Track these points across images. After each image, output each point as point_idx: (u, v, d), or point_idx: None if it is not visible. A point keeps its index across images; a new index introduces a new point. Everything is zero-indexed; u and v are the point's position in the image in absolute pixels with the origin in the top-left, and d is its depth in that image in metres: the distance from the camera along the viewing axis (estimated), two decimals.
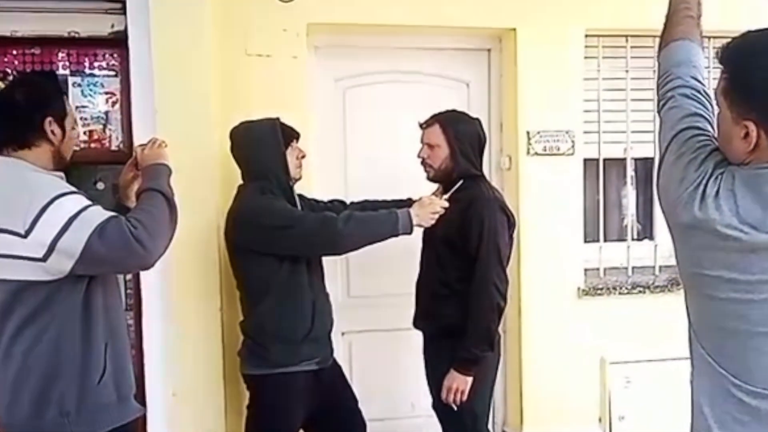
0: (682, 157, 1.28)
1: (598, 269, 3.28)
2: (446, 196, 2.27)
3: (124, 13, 2.47)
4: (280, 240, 2.10)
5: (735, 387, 1.23)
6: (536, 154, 3.05)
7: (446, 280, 2.27)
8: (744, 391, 1.22)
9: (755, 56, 1.19)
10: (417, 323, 2.46)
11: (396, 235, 2.15)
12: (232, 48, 2.72)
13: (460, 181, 2.28)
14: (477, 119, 2.38)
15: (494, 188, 2.38)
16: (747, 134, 1.18)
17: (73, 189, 1.60)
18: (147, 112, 2.47)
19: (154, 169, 1.82)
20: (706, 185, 1.22)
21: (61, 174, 1.71)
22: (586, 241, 3.20)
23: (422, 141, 2.37)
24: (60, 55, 2.59)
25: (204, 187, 2.50)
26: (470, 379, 2.20)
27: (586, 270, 3.20)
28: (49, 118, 1.66)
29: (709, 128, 1.32)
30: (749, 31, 1.24)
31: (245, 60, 2.74)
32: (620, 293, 3.14)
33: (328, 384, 2.31)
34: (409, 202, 2.39)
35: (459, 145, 2.28)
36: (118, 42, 2.52)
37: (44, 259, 1.49)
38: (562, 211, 3.09)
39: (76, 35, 2.55)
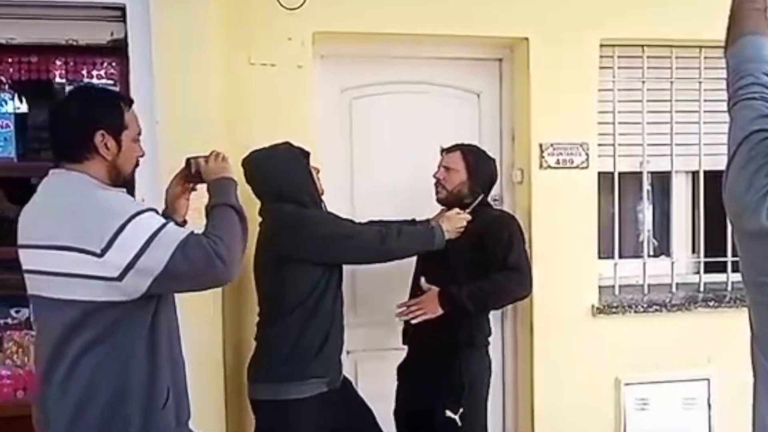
0: (752, 161, 1.24)
1: (613, 287, 3.24)
2: (468, 211, 2.47)
3: (124, 21, 2.43)
4: (338, 249, 2.25)
5: None
6: (549, 167, 3.02)
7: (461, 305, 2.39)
8: None
9: None
10: (412, 339, 2.57)
11: (432, 248, 2.35)
12: (235, 57, 2.69)
13: (476, 202, 2.51)
14: (494, 159, 2.63)
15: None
16: None
17: (149, 206, 1.59)
18: (147, 122, 2.31)
19: (223, 184, 1.81)
20: None
21: (123, 189, 1.71)
22: (600, 258, 3.15)
23: (441, 164, 2.57)
24: (57, 63, 2.55)
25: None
26: (438, 311, 2.33)
27: (600, 287, 3.15)
28: (101, 132, 1.63)
29: None
30: None
31: (249, 69, 2.71)
32: (636, 312, 3.09)
33: (340, 406, 2.33)
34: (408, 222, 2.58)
35: (476, 175, 2.51)
36: (118, 50, 2.48)
37: (120, 278, 1.47)
38: (576, 226, 3.05)
39: (75, 43, 2.50)
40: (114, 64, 2.57)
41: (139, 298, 1.52)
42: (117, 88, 2.55)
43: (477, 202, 2.52)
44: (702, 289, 3.31)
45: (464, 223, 2.42)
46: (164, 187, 2.02)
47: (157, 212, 1.61)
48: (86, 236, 1.47)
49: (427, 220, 2.58)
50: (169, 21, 2.40)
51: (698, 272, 3.34)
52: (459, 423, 2.38)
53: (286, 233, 2.24)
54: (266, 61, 2.73)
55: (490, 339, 2.56)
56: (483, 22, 2.90)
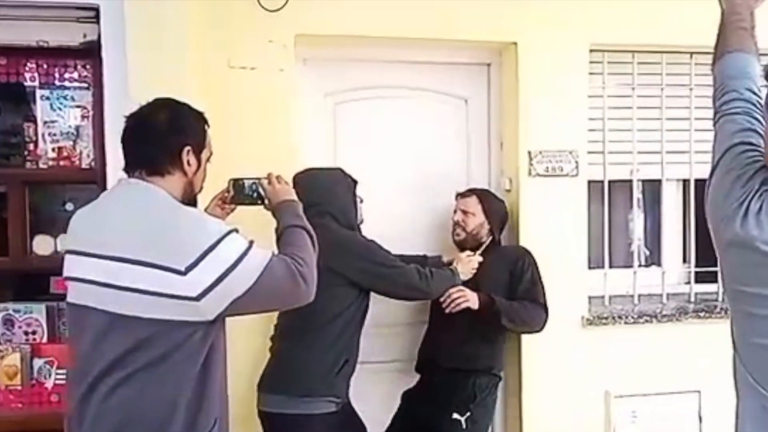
0: (730, 172, 1.30)
1: (602, 297, 3.22)
2: (479, 252, 2.68)
3: (98, 22, 2.38)
4: (380, 275, 2.34)
5: None
6: (538, 175, 2.99)
7: (483, 330, 2.60)
8: None
9: None
10: (426, 366, 2.72)
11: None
12: (214, 60, 2.63)
13: (488, 240, 2.73)
14: (503, 200, 2.87)
15: None
16: None
17: (233, 226, 1.58)
18: (121, 127, 2.26)
19: (291, 206, 1.86)
20: (750, 202, 1.24)
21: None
22: (590, 268, 3.13)
23: (458, 208, 2.77)
24: (28, 65, 2.49)
25: None
26: (476, 305, 2.50)
27: (590, 298, 3.13)
28: (187, 147, 1.63)
29: (763, 144, 1.32)
30: None
31: (228, 73, 2.66)
32: (626, 323, 3.07)
33: (342, 425, 2.39)
34: (422, 259, 2.74)
35: (492, 216, 2.73)
36: (91, 52, 2.43)
37: (199, 298, 1.45)
38: (565, 235, 3.02)
39: (45, 45, 2.44)
40: (87, 66, 2.51)
41: (212, 320, 1.51)
42: (90, 92, 2.51)
43: (489, 241, 2.73)
44: (693, 299, 3.29)
45: (476, 265, 2.60)
46: None
47: (239, 233, 1.59)
48: (171, 254, 1.45)
49: (441, 259, 2.77)
50: (144, 22, 2.35)
51: (689, 282, 3.33)
52: (464, 425, 2.49)
53: (332, 248, 2.22)
54: (246, 64, 2.68)
55: (502, 374, 2.77)
56: (471, 26, 2.86)
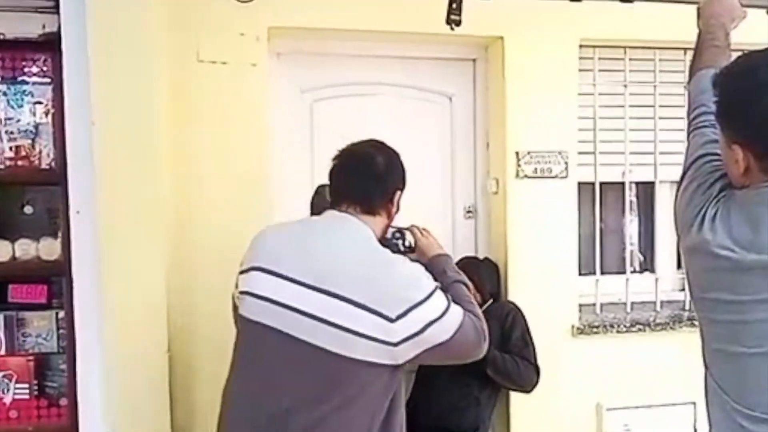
0: (693, 182, 1.39)
1: (594, 305, 3.19)
2: None
3: (57, 13, 2.28)
4: None
5: (736, 412, 1.29)
6: (526, 176, 2.96)
7: (470, 390, 2.62)
8: (743, 416, 1.27)
9: (736, 79, 1.28)
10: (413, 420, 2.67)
11: None
12: (181, 54, 2.57)
13: (486, 304, 2.73)
14: (495, 264, 2.96)
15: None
16: (737, 159, 1.27)
17: (437, 283, 1.67)
18: (83, 124, 2.30)
19: (448, 261, 1.93)
20: (707, 209, 1.31)
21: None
22: (581, 274, 3.11)
23: None
24: None
25: (150, 210, 2.37)
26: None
27: (581, 306, 3.11)
28: (399, 192, 1.77)
29: None
30: (740, 55, 1.33)
31: (197, 67, 2.59)
32: (618, 331, 3.04)
33: None
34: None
35: (483, 286, 2.73)
36: (50, 45, 2.32)
37: (397, 344, 1.54)
38: (555, 240, 3.00)
39: (2, 37, 2.33)
40: (46, 60, 2.40)
41: (399, 364, 1.59)
42: (50, 87, 2.42)
43: (488, 305, 2.75)
44: (687, 307, 3.25)
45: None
46: (101, 196, 2.05)
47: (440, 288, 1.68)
48: (386, 301, 1.53)
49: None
50: (107, 13, 2.27)
51: (683, 289, 3.29)
52: None
53: None
54: (216, 58, 2.62)
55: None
56: None
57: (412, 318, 1.53)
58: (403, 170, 1.80)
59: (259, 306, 1.61)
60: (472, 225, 3.10)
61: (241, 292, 1.66)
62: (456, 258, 2.81)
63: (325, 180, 2.75)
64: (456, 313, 1.61)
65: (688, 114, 1.55)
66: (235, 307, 1.75)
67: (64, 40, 2.28)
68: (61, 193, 2.32)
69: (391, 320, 1.51)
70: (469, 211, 3.08)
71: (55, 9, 2.29)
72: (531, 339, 2.70)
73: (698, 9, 1.71)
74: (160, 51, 2.42)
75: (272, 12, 2.64)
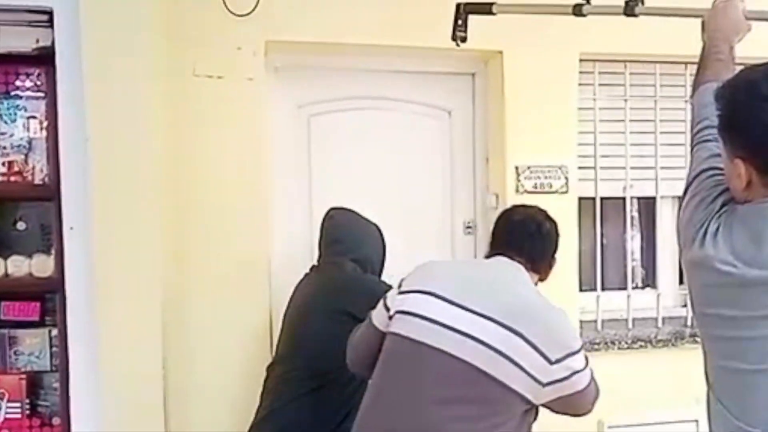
0: (695, 197, 1.39)
1: (595, 321, 3.15)
2: None
3: (51, 27, 2.29)
4: None
5: (739, 430, 1.28)
6: (526, 191, 2.93)
7: None
8: None
9: (737, 92, 1.27)
10: None
11: None
12: (177, 68, 2.55)
13: None
14: None
15: None
16: (739, 173, 1.27)
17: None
18: (77, 139, 2.31)
19: None
20: (709, 223, 1.31)
21: None
22: (581, 290, 3.08)
23: None
24: None
25: (145, 226, 2.36)
26: None
27: (581, 322, 3.07)
28: (555, 258, 1.97)
29: None
30: (742, 69, 1.32)
31: (193, 82, 2.57)
32: (620, 348, 3.01)
33: None
34: None
35: None
36: (44, 59, 2.33)
37: (545, 385, 1.66)
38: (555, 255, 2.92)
39: None
40: (40, 74, 2.41)
41: (536, 404, 1.71)
42: (44, 102, 2.41)
43: None
44: (689, 323, 3.21)
45: None
46: (96, 212, 2.12)
47: None
48: (551, 344, 1.66)
49: None
50: (102, 27, 2.28)
51: (686, 305, 3.24)
52: None
53: (349, 289, 2.33)
54: (213, 72, 2.59)
55: None
56: None
57: (566, 364, 1.66)
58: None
59: (412, 323, 1.74)
60: (472, 240, 3.07)
61: (401, 312, 1.77)
62: None
63: (325, 199, 2.77)
64: (590, 369, 1.77)
65: (692, 128, 1.56)
66: (370, 324, 1.89)
67: (58, 54, 2.30)
68: (54, 208, 2.32)
69: (551, 362, 1.64)
70: (468, 227, 3.05)
71: (49, 23, 2.30)
72: None
73: (703, 22, 1.72)
74: (155, 66, 2.41)
75: (269, 26, 2.62)
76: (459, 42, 2.42)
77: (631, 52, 3.02)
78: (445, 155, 3.02)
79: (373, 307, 2.08)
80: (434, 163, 3.01)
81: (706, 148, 1.44)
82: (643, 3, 1.97)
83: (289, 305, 2.44)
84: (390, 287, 2.32)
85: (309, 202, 2.90)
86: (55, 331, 2.40)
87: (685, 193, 1.44)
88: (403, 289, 1.82)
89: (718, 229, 1.29)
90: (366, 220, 2.51)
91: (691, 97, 1.64)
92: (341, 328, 2.23)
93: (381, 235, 2.50)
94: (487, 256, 1.93)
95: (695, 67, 3.08)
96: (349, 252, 2.40)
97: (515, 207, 2.08)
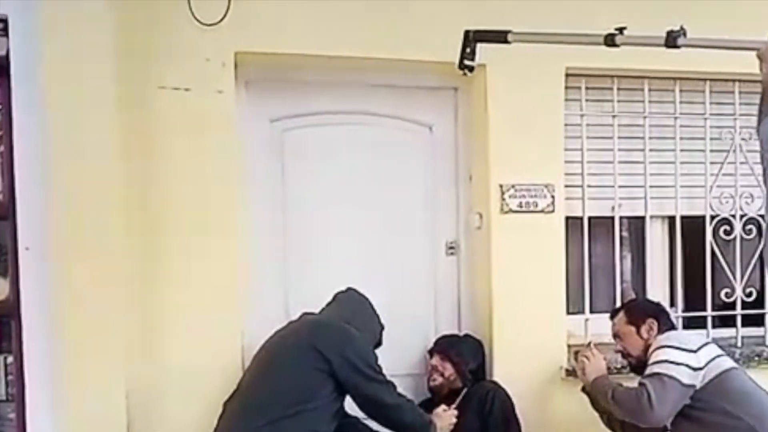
0: None
1: (583, 345, 3.00)
2: (457, 401, 2.73)
3: (6, 36, 2.24)
4: (366, 379, 2.35)
5: None
6: (511, 211, 2.90)
7: None
8: None
9: None
10: None
11: None
12: (142, 80, 2.49)
13: (465, 385, 2.80)
14: (478, 341, 2.93)
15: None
16: None
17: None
18: (33, 154, 2.26)
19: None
20: None
21: None
22: (569, 313, 3.03)
23: (429, 363, 2.88)
24: None
25: (106, 242, 2.33)
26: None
27: (569, 346, 3.01)
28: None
29: None
30: None
31: (159, 94, 2.50)
32: (610, 373, 2.84)
33: None
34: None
35: (460, 365, 2.79)
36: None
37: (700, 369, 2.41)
38: (542, 277, 2.94)
39: None
40: None
41: None
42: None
43: (465, 392, 2.77)
44: None
45: (453, 420, 2.64)
46: (53, 232, 2.18)
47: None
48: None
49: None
50: (61, 36, 2.24)
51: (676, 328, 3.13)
52: None
53: (328, 332, 2.39)
54: (180, 85, 2.53)
55: None
56: (434, 45, 2.73)
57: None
58: None
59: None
60: (455, 262, 3.01)
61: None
62: (434, 335, 2.95)
63: (299, 218, 2.86)
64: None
65: (762, 157, 1.66)
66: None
67: (14, 65, 2.23)
68: (9, 227, 2.26)
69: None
70: (451, 247, 3.00)
71: (4, 32, 2.24)
72: (515, 424, 2.70)
73: (758, 54, 1.70)
74: (118, 77, 2.36)
75: (239, 36, 2.57)
76: (467, 72, 2.39)
77: (620, 67, 2.97)
78: (426, 172, 2.97)
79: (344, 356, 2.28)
80: (415, 180, 2.96)
81: None
82: (685, 35, 1.87)
83: (263, 345, 2.45)
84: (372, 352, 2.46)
85: (283, 217, 2.84)
86: (10, 358, 2.33)
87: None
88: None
89: None
90: (368, 301, 2.61)
91: (757, 126, 1.75)
92: (305, 356, 2.27)
93: (378, 319, 2.60)
94: None
95: (685, 83, 3.12)
96: (345, 316, 2.49)
97: None
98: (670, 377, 2.38)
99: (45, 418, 2.29)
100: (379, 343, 2.59)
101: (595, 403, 2.71)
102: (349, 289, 2.61)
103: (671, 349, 2.47)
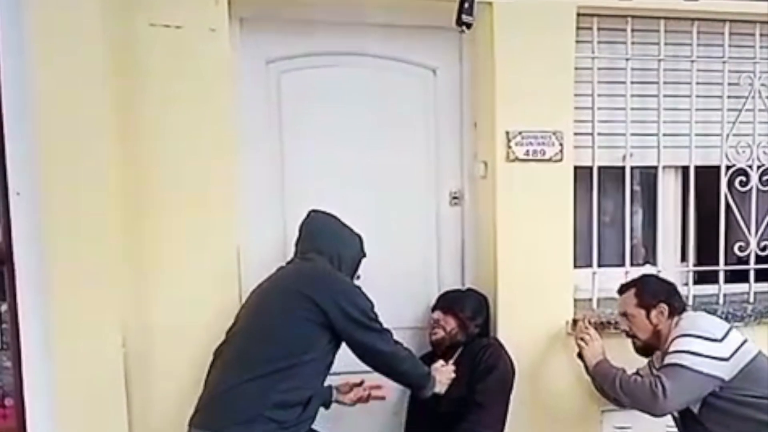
0: None
1: (590, 300, 3.07)
2: (456, 356, 2.78)
3: None
4: (359, 327, 2.35)
5: None
6: (517, 159, 2.83)
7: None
8: None
9: None
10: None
11: (421, 394, 2.57)
12: (130, 16, 2.40)
13: (467, 338, 2.80)
14: (483, 296, 2.90)
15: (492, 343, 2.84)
16: None
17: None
18: (19, 96, 2.24)
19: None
20: None
21: None
22: (576, 266, 2.98)
23: (432, 318, 2.86)
24: None
25: (97, 193, 2.32)
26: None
27: (576, 300, 2.99)
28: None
29: None
30: None
31: (148, 32, 2.42)
32: (616, 328, 2.87)
33: None
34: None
35: (465, 320, 2.77)
36: None
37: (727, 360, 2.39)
38: (549, 229, 2.89)
39: None
40: None
41: None
42: None
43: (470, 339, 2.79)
44: (692, 302, 3.12)
45: (452, 376, 2.65)
46: (43, 175, 2.18)
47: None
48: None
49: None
50: None
51: (687, 283, 3.17)
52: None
53: (314, 278, 2.39)
54: (170, 22, 2.44)
55: None
56: None
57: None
58: None
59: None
60: (458, 212, 2.97)
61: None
62: (438, 290, 2.95)
63: (297, 165, 2.79)
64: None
65: None
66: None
67: None
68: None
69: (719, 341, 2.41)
70: (454, 197, 2.96)
71: None
72: (501, 398, 2.66)
73: None
74: (106, 15, 2.31)
75: None
76: (465, 29, 2.32)
77: (634, 6, 2.90)
78: (429, 118, 2.91)
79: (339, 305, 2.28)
80: (417, 126, 2.91)
81: None
82: None
83: (253, 291, 2.44)
84: (358, 288, 2.45)
85: (281, 165, 2.79)
86: (4, 306, 2.35)
87: None
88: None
89: None
90: (347, 227, 2.58)
91: None
92: (298, 307, 2.27)
93: (361, 242, 2.58)
94: None
95: (703, 24, 3.03)
96: (322, 248, 2.48)
97: None
98: (690, 369, 2.36)
99: (42, 365, 2.30)
100: (363, 255, 2.59)
101: (597, 387, 2.69)
102: (311, 212, 2.57)
103: (693, 338, 2.42)
